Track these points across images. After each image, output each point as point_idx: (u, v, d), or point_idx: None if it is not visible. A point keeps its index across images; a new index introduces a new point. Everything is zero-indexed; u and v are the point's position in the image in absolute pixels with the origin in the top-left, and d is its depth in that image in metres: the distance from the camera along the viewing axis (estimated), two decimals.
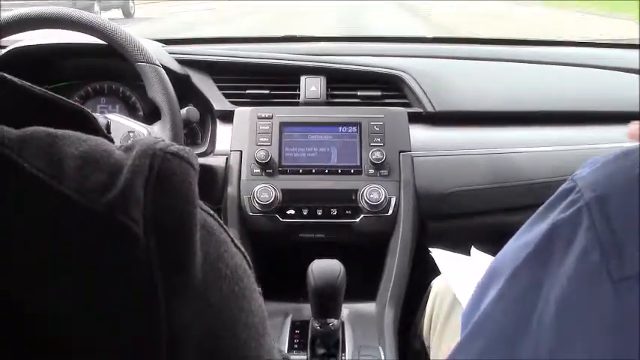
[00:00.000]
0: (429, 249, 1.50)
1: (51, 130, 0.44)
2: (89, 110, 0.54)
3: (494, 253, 0.69)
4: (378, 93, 1.76)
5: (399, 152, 1.61)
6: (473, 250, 1.48)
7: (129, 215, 0.42)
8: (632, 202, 0.54)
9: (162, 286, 0.42)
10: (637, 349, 0.50)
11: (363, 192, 1.56)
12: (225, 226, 0.52)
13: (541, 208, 0.63)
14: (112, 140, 0.49)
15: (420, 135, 1.69)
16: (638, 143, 0.58)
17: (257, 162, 1.59)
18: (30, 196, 0.41)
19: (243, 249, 0.55)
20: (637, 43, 2.20)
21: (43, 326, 0.41)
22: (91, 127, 0.52)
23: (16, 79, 0.49)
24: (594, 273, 0.53)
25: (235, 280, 0.50)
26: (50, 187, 0.41)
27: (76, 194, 0.41)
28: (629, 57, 1.98)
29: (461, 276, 1.33)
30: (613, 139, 1.68)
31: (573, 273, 0.55)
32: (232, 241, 0.53)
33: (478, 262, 1.41)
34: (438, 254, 1.47)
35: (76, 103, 0.53)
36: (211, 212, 0.51)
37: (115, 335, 0.42)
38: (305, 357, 1.41)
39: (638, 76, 1.85)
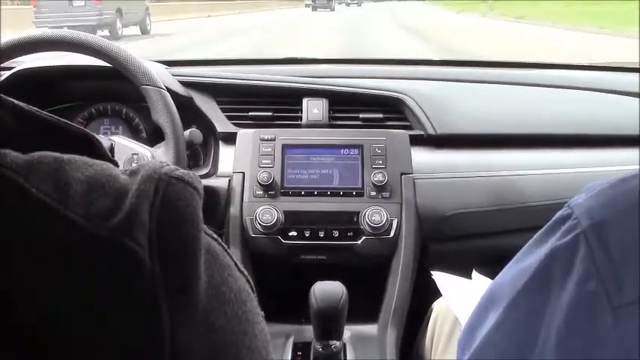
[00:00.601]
0: (431, 272, 1.50)
1: (57, 154, 0.44)
2: (93, 133, 0.54)
3: (495, 276, 0.69)
4: (380, 115, 1.77)
5: (401, 174, 1.62)
6: (474, 273, 1.49)
7: (134, 239, 0.42)
8: (629, 229, 0.54)
9: (167, 310, 0.43)
10: None
11: (364, 214, 1.57)
12: (228, 251, 0.53)
13: (538, 234, 0.63)
14: (116, 164, 0.49)
15: (422, 157, 1.69)
16: (636, 170, 0.59)
17: (259, 184, 1.59)
18: (36, 220, 0.41)
19: (246, 273, 0.55)
20: (637, 66, 2.21)
21: (49, 348, 0.41)
22: (96, 151, 0.53)
23: (22, 104, 0.50)
24: (593, 300, 0.53)
25: (239, 304, 0.50)
26: (57, 211, 0.41)
27: (81, 219, 0.41)
28: (630, 80, 1.99)
29: (462, 299, 1.33)
30: (613, 162, 1.69)
31: (573, 301, 0.55)
32: (236, 264, 0.53)
33: (479, 285, 1.41)
34: (440, 277, 1.47)
35: (81, 127, 0.54)
36: (215, 236, 0.51)
37: (118, 358, 0.42)
38: None
39: (638, 99, 1.86)
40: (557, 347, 0.56)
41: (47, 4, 15.70)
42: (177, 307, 0.43)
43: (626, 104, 1.86)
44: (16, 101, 0.49)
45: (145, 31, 17.92)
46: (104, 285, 0.42)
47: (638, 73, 2.13)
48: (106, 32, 15.95)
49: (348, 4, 48.84)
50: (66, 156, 0.44)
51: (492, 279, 0.70)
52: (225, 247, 0.52)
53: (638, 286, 0.52)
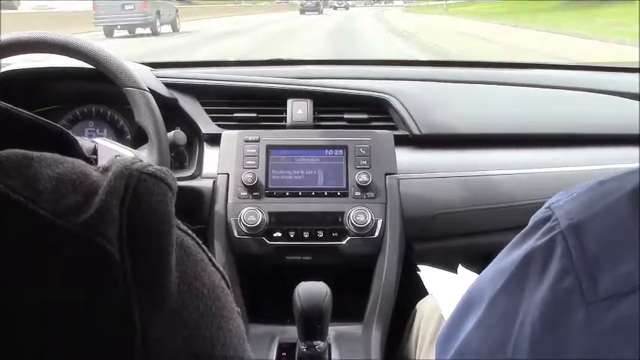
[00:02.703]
0: (418, 267, 1.50)
1: (27, 152, 0.44)
2: (74, 134, 0.54)
3: (480, 272, 0.70)
4: (365, 116, 1.77)
5: (385, 175, 1.62)
6: (460, 268, 1.49)
7: (104, 235, 0.42)
8: (606, 229, 0.55)
9: (137, 305, 0.43)
10: None
11: (349, 214, 1.57)
12: (203, 246, 0.53)
13: (518, 235, 0.64)
14: (90, 162, 0.49)
15: (406, 157, 1.70)
16: (614, 172, 0.59)
17: (244, 185, 1.59)
18: (5, 216, 0.41)
19: (221, 269, 0.55)
20: (616, 66, 2.23)
21: (23, 346, 0.41)
22: (70, 148, 0.53)
23: None
24: (568, 297, 0.54)
25: (213, 300, 0.50)
26: (25, 207, 0.41)
27: (51, 215, 0.41)
28: (609, 79, 2.01)
29: (448, 296, 1.33)
30: (594, 161, 1.70)
31: (547, 298, 0.55)
32: (210, 260, 0.53)
33: (466, 280, 1.42)
34: (426, 272, 1.48)
35: (57, 125, 0.54)
36: (189, 232, 0.52)
37: (89, 352, 0.42)
38: None
39: (622, 99, 1.87)
40: (531, 343, 0.56)
41: (104, 7, 18.96)
42: (148, 302, 0.43)
43: (609, 103, 1.87)
44: None
45: (175, 29, 21.23)
46: (74, 281, 0.42)
47: (620, 73, 2.15)
48: (148, 30, 19.48)
49: (335, 8, 49.29)
50: (36, 153, 0.45)
51: (478, 274, 0.71)
52: (200, 242, 0.53)
53: (611, 283, 0.52)
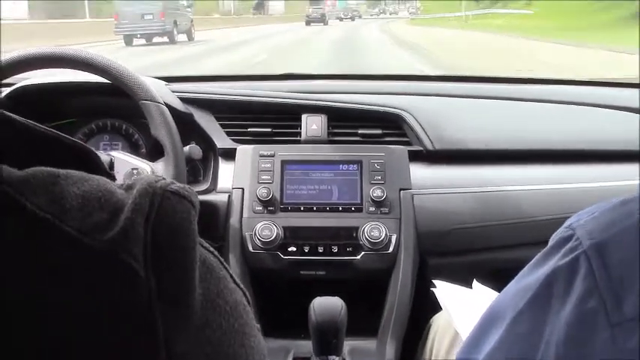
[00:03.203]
0: (433, 281, 1.50)
1: (53, 169, 0.45)
2: (92, 148, 0.55)
3: (495, 288, 0.70)
4: (379, 131, 1.77)
5: (400, 190, 1.62)
6: (475, 283, 1.49)
7: (129, 253, 0.42)
8: (629, 249, 0.55)
9: (162, 321, 0.43)
10: None
11: (363, 229, 1.57)
12: (225, 264, 0.53)
13: (540, 254, 0.64)
14: (113, 178, 0.50)
15: (421, 173, 1.70)
16: (637, 191, 0.59)
17: (259, 199, 1.60)
18: (32, 234, 0.42)
19: (242, 286, 0.55)
20: (636, 82, 2.22)
21: (45, 357, 0.42)
22: (93, 165, 0.53)
23: (18, 118, 0.50)
24: (592, 318, 0.54)
25: (235, 317, 0.51)
26: (52, 225, 0.42)
27: (77, 233, 0.42)
28: (628, 96, 2.00)
29: (463, 311, 1.33)
30: (610, 177, 1.69)
31: (572, 318, 0.55)
32: (232, 277, 0.53)
33: (480, 295, 1.41)
34: (441, 287, 1.47)
35: (79, 141, 0.54)
36: (211, 249, 0.52)
37: None
38: None
39: (637, 115, 1.86)
40: None
41: (125, 17, 20.48)
42: (172, 319, 0.44)
43: (625, 119, 1.87)
44: (12, 115, 0.50)
45: (190, 38, 23.21)
46: (100, 298, 0.42)
47: (636, 89, 2.14)
48: (165, 39, 21.25)
49: (341, 19, 49.61)
50: (62, 171, 0.45)
51: (493, 289, 0.71)
52: (222, 260, 0.53)
53: (636, 304, 0.52)
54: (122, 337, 0.43)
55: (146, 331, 0.43)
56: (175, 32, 21.54)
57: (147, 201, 0.45)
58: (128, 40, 20.78)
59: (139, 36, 21.22)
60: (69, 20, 24.12)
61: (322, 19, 39.24)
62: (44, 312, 0.41)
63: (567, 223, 0.61)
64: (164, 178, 0.48)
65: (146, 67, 11.68)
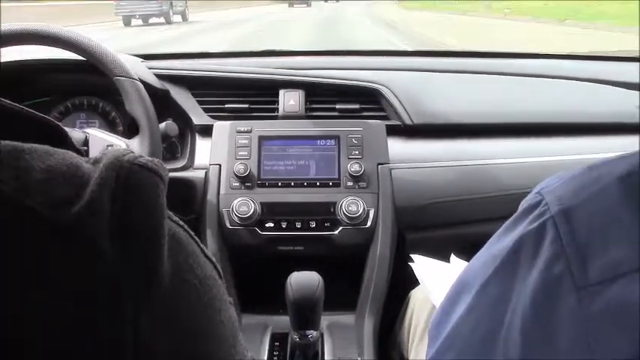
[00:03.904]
0: (410, 255, 1.50)
1: (18, 144, 0.44)
2: (66, 126, 0.54)
3: None
4: (357, 106, 1.77)
5: (378, 164, 1.63)
6: (452, 257, 1.49)
7: (95, 227, 0.42)
8: (596, 214, 0.55)
9: (129, 296, 0.43)
10: (602, 357, 0.51)
11: (341, 204, 1.57)
12: (195, 237, 0.53)
13: (508, 221, 0.64)
14: (81, 153, 0.49)
15: (398, 147, 1.70)
16: (604, 157, 0.60)
17: (236, 175, 1.59)
18: None
19: (213, 259, 0.55)
20: (614, 56, 2.23)
21: (5, 334, 0.41)
22: (61, 139, 0.53)
23: None
24: (558, 283, 0.54)
25: (204, 291, 0.50)
26: (16, 200, 0.41)
27: (41, 207, 0.41)
28: (617, 70, 2.00)
29: (440, 285, 1.34)
30: (587, 149, 1.70)
31: (538, 284, 0.56)
32: (202, 251, 0.53)
33: (457, 269, 1.42)
34: (418, 261, 1.48)
35: (47, 117, 0.53)
36: (181, 223, 0.51)
37: (81, 345, 0.42)
38: None
39: (615, 88, 1.87)
40: (522, 330, 0.56)
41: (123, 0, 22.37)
42: (139, 294, 0.44)
43: (603, 92, 1.87)
44: None
45: (184, 19, 25.72)
46: (65, 273, 0.42)
47: (614, 62, 2.15)
48: (161, 19, 23.43)
49: (326, 0, 49.24)
50: (27, 145, 0.44)
51: None
52: (192, 233, 0.52)
53: (601, 268, 0.52)
54: (88, 312, 0.42)
55: (112, 306, 0.43)
56: (171, 13, 23.65)
57: (113, 174, 0.44)
58: (127, 20, 22.53)
59: (137, 17, 22.93)
60: (67, 2, 25.22)
61: (305, 1, 39.03)
62: (8, 288, 0.41)
63: (537, 188, 0.61)
64: (132, 152, 0.47)
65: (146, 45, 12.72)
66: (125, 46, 12.69)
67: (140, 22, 23.14)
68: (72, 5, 24.48)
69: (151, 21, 23.34)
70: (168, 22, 23.24)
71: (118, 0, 22.15)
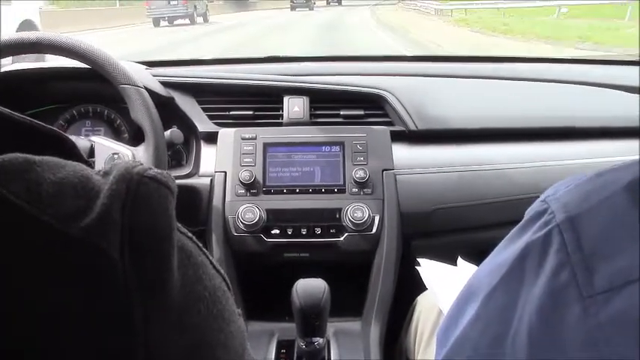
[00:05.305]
0: (417, 259, 1.50)
1: (29, 156, 0.44)
2: (71, 134, 0.55)
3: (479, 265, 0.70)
4: (361, 112, 1.77)
5: (382, 170, 1.62)
6: (459, 260, 1.49)
7: (106, 239, 0.42)
8: (602, 222, 0.55)
9: (139, 308, 0.43)
10: None
11: (346, 211, 1.57)
12: (204, 249, 0.53)
13: (515, 228, 0.64)
14: (91, 165, 0.49)
15: (403, 153, 1.70)
16: (611, 164, 0.60)
17: (241, 182, 1.59)
18: (6, 221, 0.41)
19: (222, 271, 0.55)
20: (613, 60, 2.22)
21: (20, 345, 0.41)
22: (68, 151, 0.53)
23: None
24: (564, 291, 0.54)
25: (214, 302, 0.50)
26: (27, 212, 0.41)
27: (52, 220, 0.41)
28: (618, 74, 2.00)
29: (447, 290, 1.34)
30: (593, 154, 1.70)
31: (544, 292, 0.56)
32: (211, 263, 0.53)
33: (464, 273, 1.42)
34: (425, 265, 1.48)
35: (55, 128, 0.54)
36: (190, 235, 0.52)
37: (92, 356, 0.42)
38: None
39: (620, 92, 1.87)
40: (528, 339, 0.56)
41: (155, 3, 25.22)
42: (149, 306, 0.44)
43: (608, 97, 1.87)
44: None
45: (205, 20, 28.08)
46: (76, 285, 0.42)
47: (618, 66, 2.15)
48: (187, 20, 25.99)
49: (328, 3, 49.14)
50: (37, 157, 0.44)
51: (478, 266, 0.71)
52: (200, 245, 0.53)
53: (607, 276, 0.52)
54: (99, 324, 0.42)
55: (123, 318, 0.43)
56: (195, 15, 26.51)
57: (124, 187, 0.44)
58: (156, 22, 25.54)
59: (165, 18, 25.69)
60: (99, 7, 29.12)
61: (307, 4, 39.03)
62: (20, 300, 0.41)
63: (543, 196, 0.61)
64: (142, 164, 0.47)
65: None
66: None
67: (166, 23, 25.75)
68: (105, 10, 28.30)
69: (176, 22, 25.82)
70: (192, 22, 26.07)
71: (149, 4, 25.19)
